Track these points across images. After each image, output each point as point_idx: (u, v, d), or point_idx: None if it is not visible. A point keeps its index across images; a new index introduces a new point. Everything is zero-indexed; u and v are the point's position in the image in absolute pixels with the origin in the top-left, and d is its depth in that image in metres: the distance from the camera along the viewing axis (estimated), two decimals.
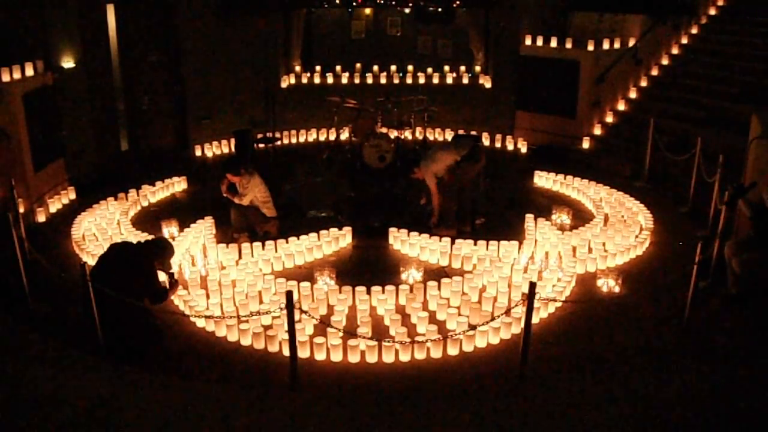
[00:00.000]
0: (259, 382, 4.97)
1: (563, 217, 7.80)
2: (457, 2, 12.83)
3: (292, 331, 4.57)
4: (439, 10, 13.10)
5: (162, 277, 5.62)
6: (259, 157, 10.12)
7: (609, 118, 11.10)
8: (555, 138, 10.93)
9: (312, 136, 11.90)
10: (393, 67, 13.09)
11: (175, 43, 10.68)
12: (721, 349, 5.26)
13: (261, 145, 10.49)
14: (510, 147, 11.32)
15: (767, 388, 4.66)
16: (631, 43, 10.96)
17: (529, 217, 7.64)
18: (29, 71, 8.17)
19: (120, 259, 5.29)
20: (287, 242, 7.07)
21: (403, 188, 8.80)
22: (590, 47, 10.61)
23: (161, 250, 5.58)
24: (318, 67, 13.17)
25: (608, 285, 6.30)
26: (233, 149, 10.87)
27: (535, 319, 5.42)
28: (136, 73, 10.27)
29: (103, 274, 5.05)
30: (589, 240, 7.09)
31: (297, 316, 4.75)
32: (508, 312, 5.31)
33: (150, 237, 6.84)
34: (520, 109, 11.52)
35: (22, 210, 7.32)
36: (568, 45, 10.88)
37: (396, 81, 12.91)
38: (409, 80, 12.92)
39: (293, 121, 11.86)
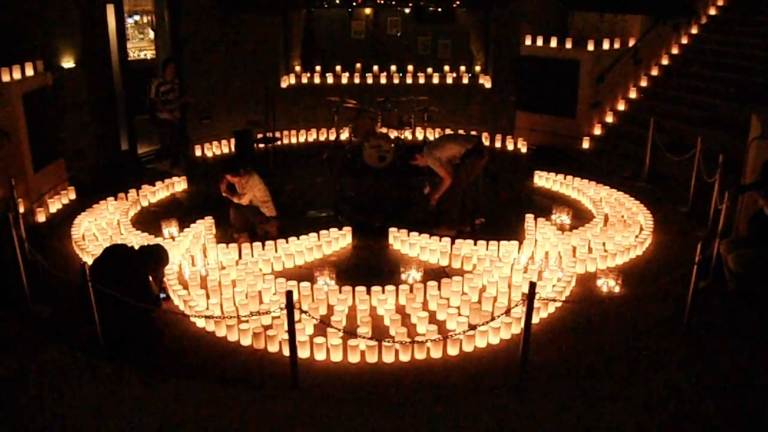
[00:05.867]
0: (259, 382, 4.97)
1: (563, 217, 7.80)
2: (457, 2, 12.84)
3: (292, 331, 4.57)
4: (439, 10, 13.11)
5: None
6: (259, 157, 10.13)
7: (609, 118, 11.11)
8: (555, 138, 10.93)
9: (312, 136, 11.90)
10: (393, 67, 13.09)
11: (175, 43, 10.69)
12: (720, 350, 5.25)
13: (261, 145, 10.50)
14: (510, 147, 11.33)
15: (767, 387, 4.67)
16: (631, 43, 10.97)
17: (529, 217, 7.65)
18: (29, 71, 8.17)
19: (112, 263, 5.28)
20: (287, 242, 7.07)
21: (404, 188, 8.81)
22: (590, 47, 10.61)
23: (155, 259, 5.56)
24: (318, 67, 13.17)
25: (608, 285, 6.30)
26: (233, 149, 10.88)
27: (535, 319, 5.42)
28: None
29: (96, 277, 5.04)
30: (589, 240, 7.09)
31: (297, 316, 4.75)
32: (508, 312, 5.31)
33: (148, 240, 6.88)
34: (520, 109, 11.52)
35: (22, 210, 7.32)
36: (568, 45, 10.89)
37: (396, 81, 12.92)
38: (409, 80, 12.93)
39: (293, 121, 11.87)
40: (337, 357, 5.22)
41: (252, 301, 5.94)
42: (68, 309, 5.68)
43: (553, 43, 10.97)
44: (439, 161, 7.37)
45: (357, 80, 12.94)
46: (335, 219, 7.98)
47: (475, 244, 6.97)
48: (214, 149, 11.10)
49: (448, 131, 11.50)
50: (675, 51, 11.83)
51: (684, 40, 11.97)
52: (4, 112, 7.66)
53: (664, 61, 11.70)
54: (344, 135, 10.68)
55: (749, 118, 7.61)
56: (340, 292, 6.03)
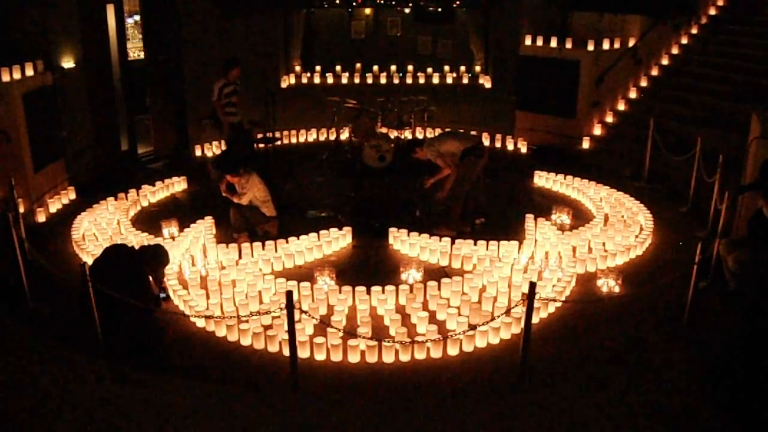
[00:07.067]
0: (259, 382, 4.97)
1: (563, 217, 7.80)
2: (457, 2, 12.85)
3: (292, 331, 4.57)
4: (439, 10, 13.12)
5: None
6: (259, 157, 10.12)
7: (609, 118, 11.11)
8: (555, 138, 10.93)
9: (312, 136, 11.90)
10: (393, 67, 13.09)
11: (176, 43, 10.69)
12: (720, 350, 5.26)
13: (261, 145, 10.50)
14: (510, 147, 11.32)
15: (767, 388, 4.67)
16: (631, 43, 10.97)
17: (529, 217, 7.65)
18: (29, 71, 8.17)
19: (112, 263, 5.27)
20: (287, 242, 7.07)
21: (404, 188, 8.81)
22: (590, 47, 10.61)
23: (155, 259, 5.56)
24: (318, 67, 13.17)
25: (608, 285, 6.30)
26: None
27: (535, 319, 5.42)
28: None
29: (96, 277, 5.04)
30: (589, 240, 7.09)
31: (297, 316, 4.75)
32: (508, 312, 5.31)
33: (148, 240, 6.88)
34: (520, 109, 11.52)
35: (22, 210, 7.32)
36: (568, 45, 10.88)
37: (396, 81, 12.92)
38: (409, 80, 12.93)
39: (293, 121, 11.86)
40: (337, 357, 5.22)
41: (252, 301, 5.94)
42: (68, 309, 5.68)
43: (553, 43, 10.96)
44: (438, 152, 7.47)
45: (357, 80, 12.94)
46: (335, 219, 7.98)
47: (475, 244, 6.97)
48: (214, 149, 11.09)
49: (447, 131, 11.51)
50: (675, 51, 11.83)
51: (684, 40, 11.96)
52: (4, 112, 7.66)
53: (664, 61, 11.69)
54: (344, 135, 10.68)
55: (749, 118, 7.61)
56: (340, 292, 6.03)
